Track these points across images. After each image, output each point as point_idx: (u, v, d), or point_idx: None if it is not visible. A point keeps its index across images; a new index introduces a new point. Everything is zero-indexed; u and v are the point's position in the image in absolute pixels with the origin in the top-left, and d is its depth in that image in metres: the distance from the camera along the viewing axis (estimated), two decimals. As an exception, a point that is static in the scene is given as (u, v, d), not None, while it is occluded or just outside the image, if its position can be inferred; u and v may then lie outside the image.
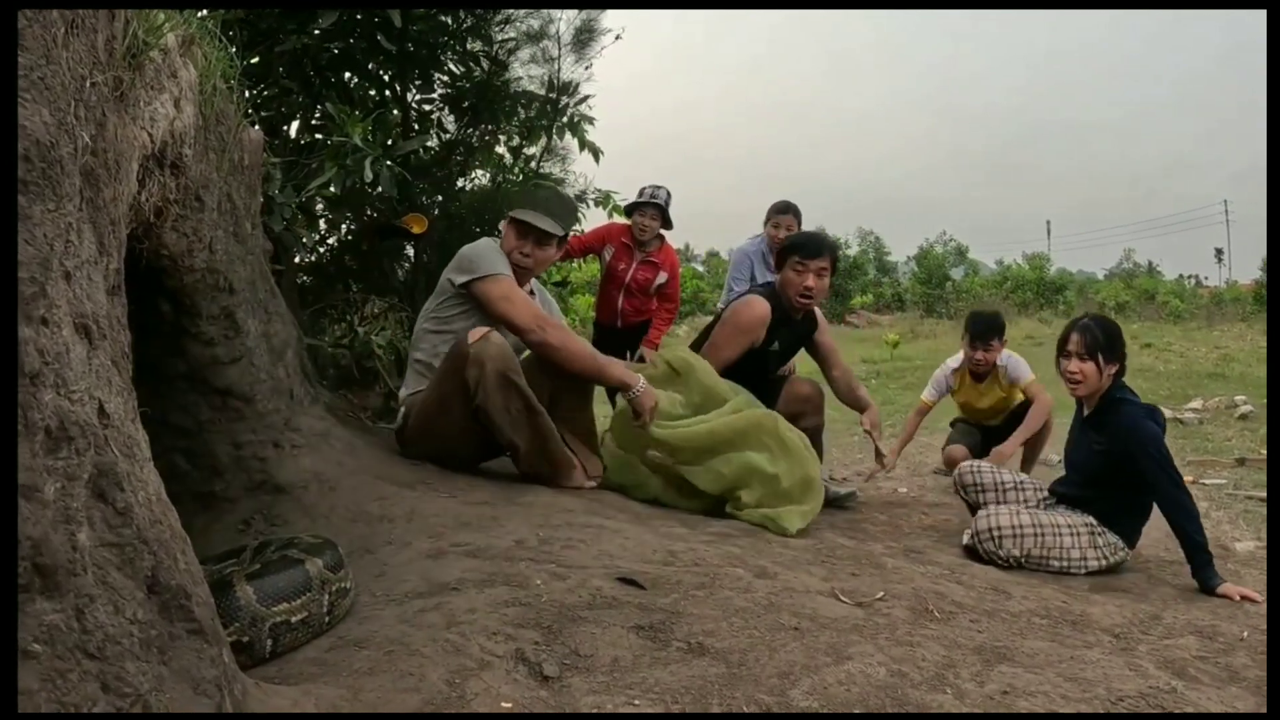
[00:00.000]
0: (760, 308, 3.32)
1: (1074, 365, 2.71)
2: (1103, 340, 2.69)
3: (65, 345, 0.87)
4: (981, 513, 2.69)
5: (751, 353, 3.34)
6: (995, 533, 2.62)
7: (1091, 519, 2.68)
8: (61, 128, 1.00)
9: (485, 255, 2.94)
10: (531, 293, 3.15)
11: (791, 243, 3.45)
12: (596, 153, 4.30)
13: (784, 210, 4.61)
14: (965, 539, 2.78)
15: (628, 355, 4.46)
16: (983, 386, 4.32)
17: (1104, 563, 2.63)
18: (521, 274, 3.04)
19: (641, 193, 4.61)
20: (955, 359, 4.44)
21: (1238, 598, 2.39)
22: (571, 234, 4.47)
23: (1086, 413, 2.83)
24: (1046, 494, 2.94)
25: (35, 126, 0.93)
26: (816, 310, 3.58)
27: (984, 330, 4.15)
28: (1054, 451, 4.45)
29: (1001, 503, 2.89)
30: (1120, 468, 2.65)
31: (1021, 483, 3.01)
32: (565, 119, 4.20)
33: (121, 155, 1.34)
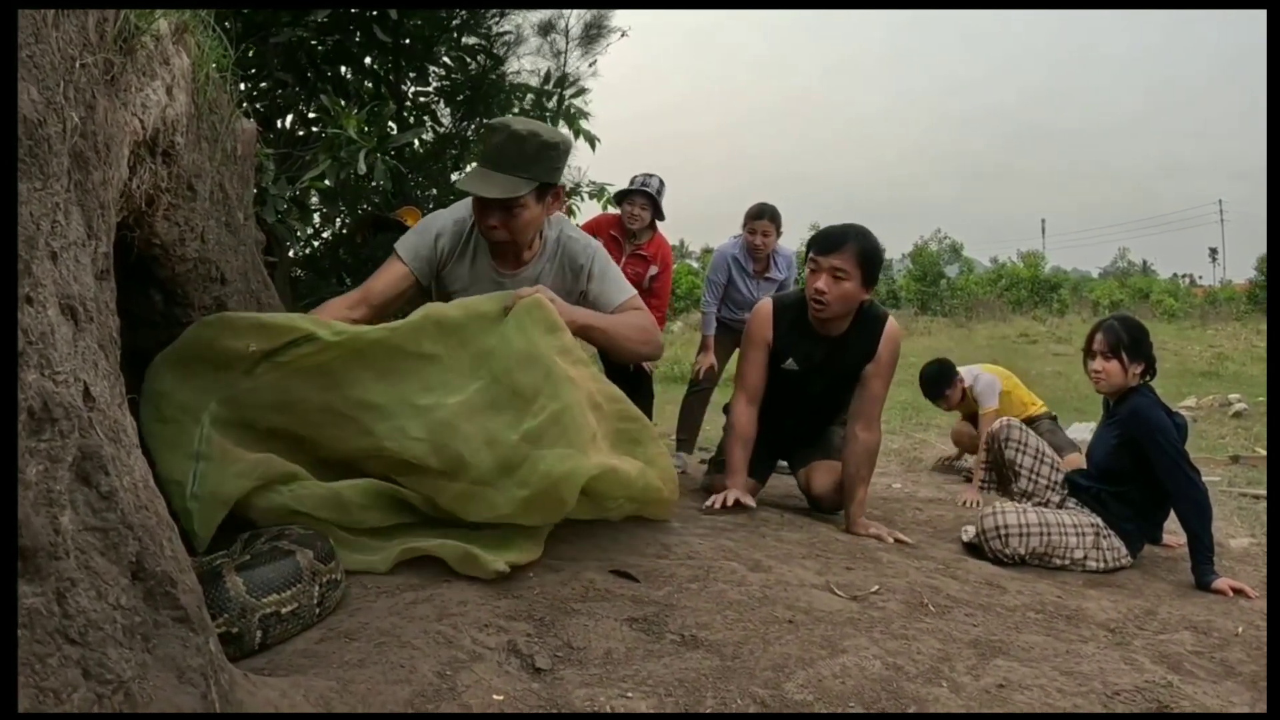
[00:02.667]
0: (762, 304, 2.94)
1: (1097, 364, 2.74)
2: (1126, 339, 2.71)
3: (50, 325, 0.86)
4: (988, 510, 2.67)
5: (774, 370, 2.92)
6: (1003, 531, 2.60)
7: (1099, 520, 2.68)
8: (50, 106, 0.98)
9: (413, 229, 2.50)
10: (531, 257, 2.44)
11: (812, 236, 2.92)
12: (593, 140, 4.29)
13: (758, 215, 4.26)
14: (965, 536, 2.77)
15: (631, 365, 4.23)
16: (961, 406, 4.91)
17: (1103, 565, 2.63)
18: (505, 248, 2.39)
19: (633, 181, 4.27)
20: None
21: (1231, 593, 2.39)
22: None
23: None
24: (1063, 482, 2.91)
25: (23, 104, 0.91)
26: (889, 333, 2.83)
27: (928, 389, 4.69)
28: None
29: (1032, 470, 2.89)
30: (1133, 459, 2.66)
31: (1050, 457, 2.95)
32: (561, 110, 4.20)
33: (111, 139, 1.32)
